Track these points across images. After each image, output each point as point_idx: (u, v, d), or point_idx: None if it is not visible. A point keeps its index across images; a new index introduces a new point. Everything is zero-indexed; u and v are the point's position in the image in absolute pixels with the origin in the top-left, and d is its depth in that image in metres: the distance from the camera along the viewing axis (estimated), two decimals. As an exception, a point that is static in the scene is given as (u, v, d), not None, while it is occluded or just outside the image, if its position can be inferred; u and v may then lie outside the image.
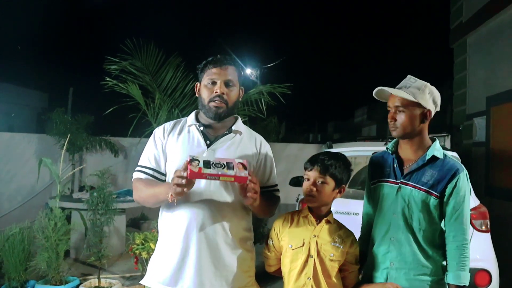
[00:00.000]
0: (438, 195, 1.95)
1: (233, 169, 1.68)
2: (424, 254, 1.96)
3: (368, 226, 2.20)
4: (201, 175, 1.65)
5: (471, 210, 3.54)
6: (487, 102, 6.25)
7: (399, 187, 2.01)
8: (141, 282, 2.02)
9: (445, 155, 2.03)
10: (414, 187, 1.98)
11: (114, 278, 4.80)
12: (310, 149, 8.96)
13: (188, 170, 1.63)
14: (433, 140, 2.07)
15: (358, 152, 4.46)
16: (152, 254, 2.06)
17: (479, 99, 6.52)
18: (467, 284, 1.90)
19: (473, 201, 3.67)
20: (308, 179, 2.00)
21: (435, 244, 1.98)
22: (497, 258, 3.59)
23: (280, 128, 9.93)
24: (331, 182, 1.98)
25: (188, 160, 1.65)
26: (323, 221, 2.01)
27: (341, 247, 1.97)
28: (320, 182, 1.97)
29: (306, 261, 1.96)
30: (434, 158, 2.00)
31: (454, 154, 4.06)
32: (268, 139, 7.56)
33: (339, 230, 2.02)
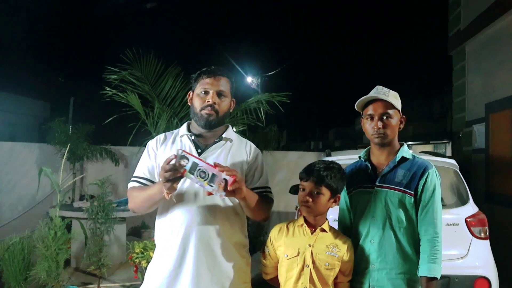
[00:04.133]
0: (413, 193, 2.04)
1: (213, 184, 1.69)
2: (403, 253, 2.02)
3: (344, 233, 2.21)
4: (182, 176, 1.71)
5: (470, 217, 3.59)
6: (486, 109, 6.26)
7: (375, 191, 2.09)
8: None
9: (413, 156, 2.14)
10: (389, 188, 2.06)
11: (114, 287, 4.80)
12: (310, 157, 8.95)
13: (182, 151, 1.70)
14: (401, 144, 2.17)
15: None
16: (151, 263, 2.08)
17: (478, 106, 6.54)
18: (438, 276, 1.94)
19: (471, 208, 3.69)
20: (304, 189, 2.02)
21: (416, 241, 2.04)
22: (497, 265, 3.58)
23: (281, 136, 9.93)
24: (326, 193, 2.00)
25: (176, 154, 1.69)
26: (318, 230, 2.02)
27: (337, 255, 1.99)
28: (315, 192, 1.99)
29: (302, 270, 1.97)
30: (404, 159, 2.11)
31: (452, 161, 4.08)
32: (268, 147, 7.55)
33: (335, 239, 2.04)
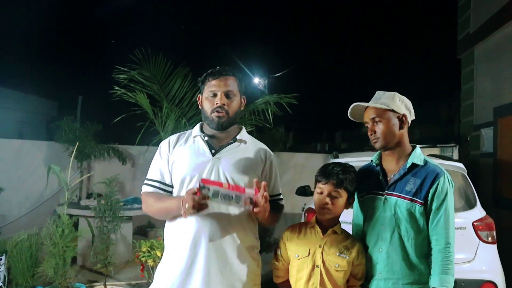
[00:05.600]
0: (422, 201, 1.98)
1: (239, 202, 1.74)
2: (412, 263, 1.98)
3: (357, 236, 2.21)
4: (213, 182, 1.75)
5: (477, 221, 3.57)
6: (494, 113, 6.23)
7: (385, 199, 2.05)
8: None
9: (426, 161, 2.06)
10: (399, 196, 2.01)
11: (120, 285, 4.82)
12: (317, 159, 8.96)
13: (200, 181, 1.72)
14: (413, 148, 2.11)
15: (365, 163, 4.46)
16: (158, 262, 2.09)
17: (487, 110, 6.51)
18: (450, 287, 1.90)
19: (479, 212, 3.67)
20: (321, 192, 2.02)
21: (425, 252, 1.99)
22: (504, 269, 3.56)
23: (287, 138, 9.95)
24: (344, 195, 2.02)
25: (198, 187, 1.71)
26: (329, 231, 2.03)
27: (347, 257, 2.00)
28: (334, 195, 2.00)
29: (312, 270, 1.98)
30: (415, 165, 2.04)
31: (460, 165, 4.06)
32: (275, 148, 7.55)
33: (345, 241, 2.05)
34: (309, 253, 2.00)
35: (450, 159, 5.33)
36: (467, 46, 7.35)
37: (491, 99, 6.43)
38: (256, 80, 17.15)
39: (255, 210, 1.75)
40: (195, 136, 2.10)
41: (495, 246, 3.61)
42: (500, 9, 6.03)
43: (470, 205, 3.73)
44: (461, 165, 4.07)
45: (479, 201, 3.80)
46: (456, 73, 8.00)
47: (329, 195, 2.00)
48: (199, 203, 1.72)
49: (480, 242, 3.56)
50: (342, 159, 4.16)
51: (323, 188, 2.02)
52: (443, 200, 1.97)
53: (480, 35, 6.78)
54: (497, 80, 6.31)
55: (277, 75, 17.15)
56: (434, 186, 1.97)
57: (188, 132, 2.18)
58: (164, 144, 2.12)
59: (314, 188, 2.10)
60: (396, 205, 2.01)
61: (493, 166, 6.23)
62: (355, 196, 2.21)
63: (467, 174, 4.02)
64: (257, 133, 5.65)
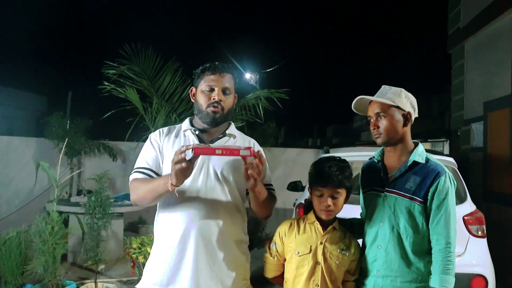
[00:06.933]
0: (422, 200, 1.95)
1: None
2: (410, 262, 1.95)
3: (360, 232, 2.19)
4: (206, 151, 1.67)
5: (468, 215, 3.59)
6: (484, 108, 6.26)
7: (385, 196, 2.03)
8: (136, 286, 2.02)
9: (427, 159, 2.03)
10: (398, 194, 1.99)
11: (111, 282, 4.79)
12: (308, 154, 8.97)
13: (193, 149, 1.64)
14: (416, 145, 2.09)
15: (356, 157, 4.46)
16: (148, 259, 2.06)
17: (477, 105, 6.54)
18: None
19: (469, 206, 3.69)
20: (322, 195, 2.00)
21: (424, 251, 1.97)
22: (494, 263, 3.59)
23: (279, 133, 9.95)
24: (344, 193, 2.01)
25: (191, 156, 1.65)
26: (330, 228, 2.02)
27: (347, 253, 2.01)
28: (335, 196, 1.99)
29: (314, 267, 1.97)
30: (416, 163, 2.01)
31: (451, 159, 4.08)
32: (266, 143, 7.55)
33: (345, 237, 2.05)
34: (310, 250, 1.99)
35: (441, 153, 5.35)
36: (458, 40, 7.36)
37: (481, 93, 6.46)
38: (248, 75, 17.10)
39: (253, 163, 1.69)
40: (185, 130, 2.08)
41: (485, 240, 3.63)
42: (490, 4, 6.05)
43: (460, 199, 3.75)
44: (451, 159, 4.09)
45: (469, 195, 3.83)
46: (446, 68, 8.03)
47: (332, 196, 1.98)
48: (187, 163, 1.65)
49: (470, 236, 3.58)
50: (333, 154, 4.15)
51: (323, 191, 1.99)
52: (444, 199, 1.93)
53: (470, 30, 6.80)
54: (487, 75, 6.34)
55: (268, 70, 17.12)
56: (435, 184, 1.93)
57: (177, 126, 2.15)
58: (154, 134, 2.09)
59: (311, 188, 2.06)
60: (395, 203, 1.99)
61: (483, 160, 6.26)
62: (360, 192, 2.20)
63: (458, 168, 4.04)
64: (248, 128, 5.63)
